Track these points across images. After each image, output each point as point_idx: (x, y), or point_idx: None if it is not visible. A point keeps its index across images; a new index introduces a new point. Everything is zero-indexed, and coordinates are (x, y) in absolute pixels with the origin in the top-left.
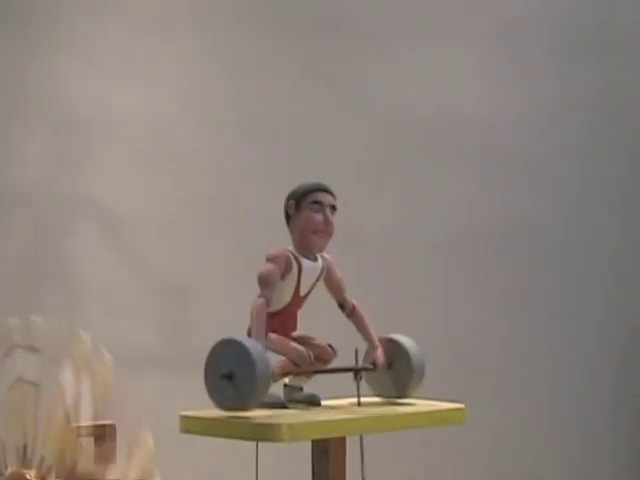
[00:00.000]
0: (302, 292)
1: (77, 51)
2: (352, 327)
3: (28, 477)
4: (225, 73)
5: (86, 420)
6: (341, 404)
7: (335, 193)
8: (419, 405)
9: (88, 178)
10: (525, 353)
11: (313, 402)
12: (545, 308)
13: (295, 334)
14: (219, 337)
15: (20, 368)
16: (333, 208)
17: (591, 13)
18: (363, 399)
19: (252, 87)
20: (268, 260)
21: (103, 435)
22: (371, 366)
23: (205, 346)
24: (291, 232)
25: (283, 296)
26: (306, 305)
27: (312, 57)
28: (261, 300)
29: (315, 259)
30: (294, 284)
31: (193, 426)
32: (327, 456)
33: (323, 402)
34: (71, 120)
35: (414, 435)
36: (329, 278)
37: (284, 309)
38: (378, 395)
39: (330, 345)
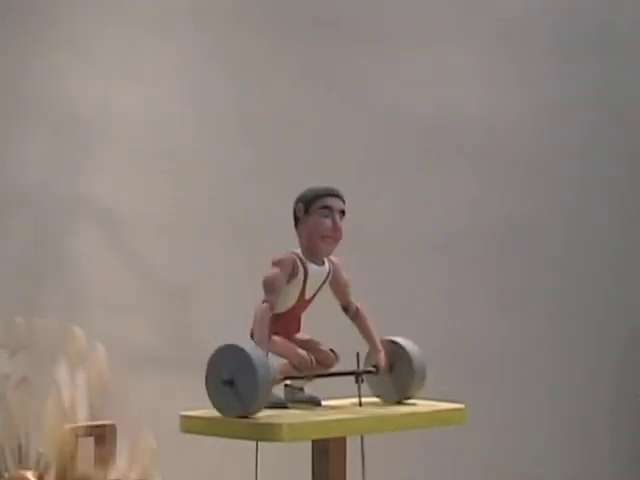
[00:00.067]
0: (307, 296)
1: (77, 51)
2: (354, 330)
3: (29, 477)
4: (225, 73)
5: (83, 416)
6: (341, 404)
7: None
8: (419, 405)
9: (88, 178)
10: (525, 353)
11: (314, 402)
12: (545, 308)
13: (298, 337)
14: (219, 337)
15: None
16: (342, 213)
17: (591, 13)
18: (363, 400)
19: (252, 87)
20: (274, 264)
21: (103, 435)
22: (373, 369)
23: (205, 346)
24: (299, 236)
25: (288, 299)
26: (309, 308)
27: (312, 57)
28: (265, 305)
29: (322, 263)
30: (299, 288)
31: (193, 426)
32: (327, 456)
33: (323, 402)
34: (71, 120)
35: (414, 435)
36: (335, 281)
37: (288, 312)
38: (379, 397)
39: (332, 350)
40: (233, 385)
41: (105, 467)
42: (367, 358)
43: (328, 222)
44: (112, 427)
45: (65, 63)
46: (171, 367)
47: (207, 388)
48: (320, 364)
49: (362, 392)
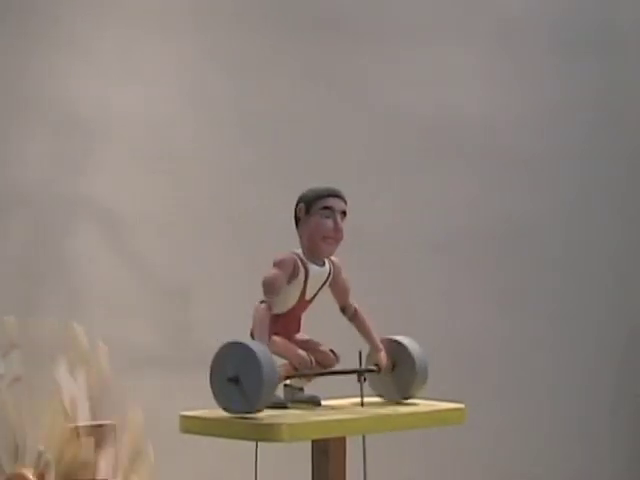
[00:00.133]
0: (308, 296)
1: (77, 51)
2: (354, 330)
3: (28, 476)
4: (225, 73)
5: (84, 415)
6: (341, 404)
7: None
8: (419, 405)
9: (88, 178)
10: (525, 353)
11: (313, 402)
12: (545, 308)
13: (298, 338)
14: (219, 337)
15: (19, 367)
16: (344, 214)
17: (591, 13)
18: (364, 399)
19: (252, 87)
20: (275, 265)
21: (103, 435)
22: (375, 368)
23: (205, 346)
24: (300, 236)
25: (289, 300)
26: (309, 308)
27: (312, 57)
28: (264, 305)
29: (322, 264)
30: (300, 288)
31: (193, 426)
32: (327, 456)
33: (323, 402)
34: (71, 120)
35: (414, 435)
36: (335, 282)
37: (289, 312)
38: (381, 397)
39: (332, 350)
40: (238, 382)
41: (105, 467)
42: (368, 358)
43: (329, 223)
44: (112, 427)
45: (65, 63)
46: (171, 367)
47: (211, 385)
48: (320, 365)
49: (364, 392)
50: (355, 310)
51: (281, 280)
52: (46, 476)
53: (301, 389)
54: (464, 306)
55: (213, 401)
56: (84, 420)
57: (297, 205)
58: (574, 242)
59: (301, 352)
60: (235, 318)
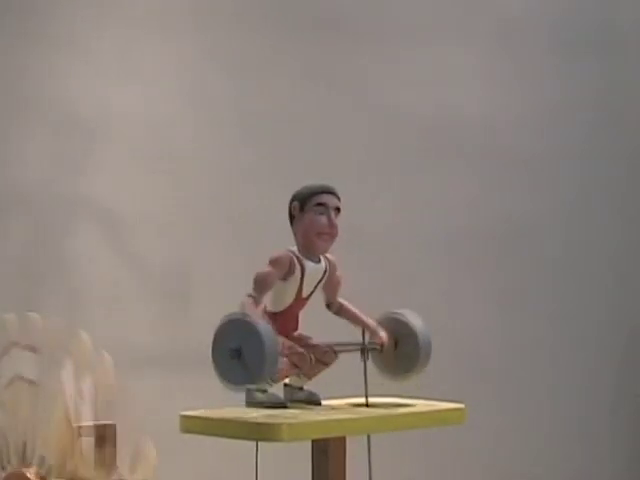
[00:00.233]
0: (304, 294)
1: (77, 51)
2: (353, 328)
3: (28, 475)
4: (225, 73)
5: (87, 420)
6: (341, 404)
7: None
8: (419, 405)
9: (88, 178)
10: (525, 353)
11: (313, 402)
12: (545, 308)
13: (297, 335)
14: None
15: (19, 366)
16: (337, 210)
17: (591, 13)
18: (363, 399)
19: (252, 87)
20: (270, 262)
21: (104, 435)
22: (377, 345)
23: (205, 346)
24: (295, 233)
25: (285, 297)
26: (307, 305)
27: (312, 57)
28: (250, 299)
29: (318, 261)
30: (297, 286)
31: (193, 426)
32: (327, 456)
33: (323, 402)
34: (71, 120)
35: (414, 435)
36: (328, 279)
37: (286, 310)
38: (385, 375)
39: (331, 347)
40: (240, 356)
41: (106, 467)
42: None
43: (324, 219)
44: (113, 427)
45: (65, 63)
46: (171, 367)
47: (213, 360)
48: (319, 362)
49: (367, 379)
50: (340, 304)
51: (273, 278)
52: (47, 479)
53: (301, 388)
54: (464, 306)
55: (213, 401)
56: (87, 421)
57: (291, 203)
58: (574, 242)
59: (300, 349)
60: None
